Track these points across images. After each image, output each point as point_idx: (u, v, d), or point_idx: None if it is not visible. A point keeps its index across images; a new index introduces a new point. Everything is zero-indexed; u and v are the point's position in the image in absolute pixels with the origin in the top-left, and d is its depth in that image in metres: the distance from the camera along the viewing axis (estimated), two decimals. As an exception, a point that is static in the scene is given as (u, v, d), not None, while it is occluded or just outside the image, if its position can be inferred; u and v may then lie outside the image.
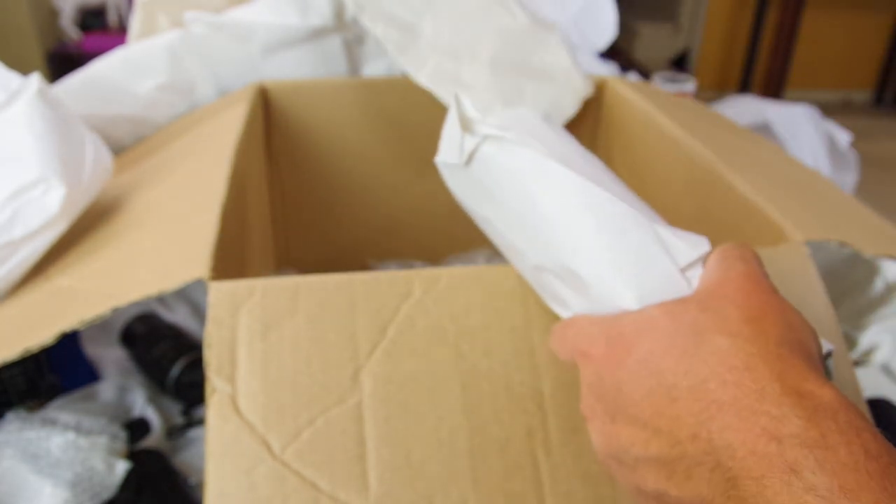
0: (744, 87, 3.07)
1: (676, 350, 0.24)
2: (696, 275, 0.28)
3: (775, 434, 0.21)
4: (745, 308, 0.25)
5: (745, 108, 0.99)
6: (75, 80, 0.64)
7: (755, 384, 0.22)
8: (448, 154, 0.35)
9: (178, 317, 0.64)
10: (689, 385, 0.23)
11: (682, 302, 0.26)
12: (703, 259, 0.28)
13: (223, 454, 0.32)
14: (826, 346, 0.27)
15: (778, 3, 2.84)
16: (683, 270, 0.28)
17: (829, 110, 1.11)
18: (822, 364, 0.25)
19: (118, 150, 0.63)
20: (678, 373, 0.24)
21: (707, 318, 0.25)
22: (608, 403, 0.26)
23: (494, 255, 0.74)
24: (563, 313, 0.33)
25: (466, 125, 0.35)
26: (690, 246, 0.28)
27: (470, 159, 0.33)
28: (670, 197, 0.56)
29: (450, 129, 0.35)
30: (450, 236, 0.73)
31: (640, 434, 0.25)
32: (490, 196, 0.33)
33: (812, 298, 0.38)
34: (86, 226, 0.47)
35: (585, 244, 0.29)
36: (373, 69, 0.70)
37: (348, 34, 0.67)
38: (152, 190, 0.50)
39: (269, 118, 0.66)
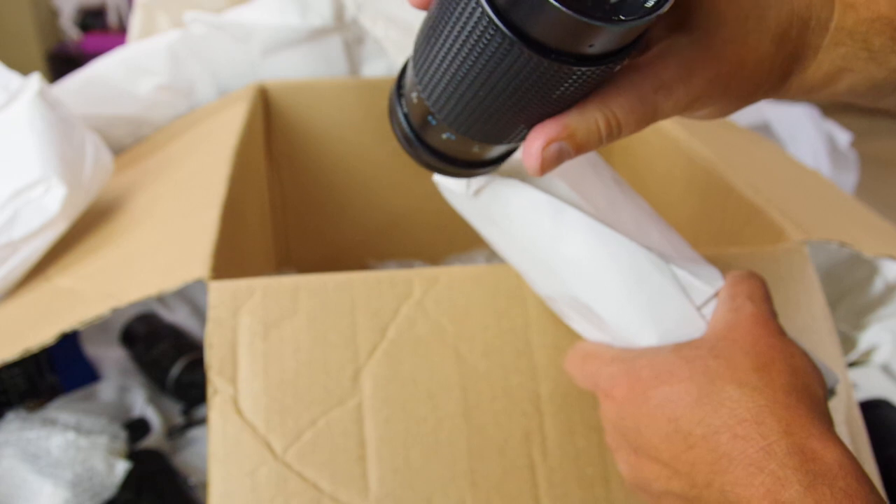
0: (744, 86, 3.07)
1: (690, 398, 0.26)
2: (711, 310, 0.29)
3: (776, 497, 0.23)
4: (754, 354, 0.26)
5: (745, 108, 0.98)
6: (75, 81, 0.64)
7: (763, 440, 0.24)
8: (449, 181, 0.33)
9: (178, 317, 0.64)
10: (702, 434, 0.25)
11: (695, 346, 0.27)
12: (718, 292, 0.29)
13: (225, 455, 0.32)
14: (833, 377, 0.28)
15: (778, 3, 2.83)
16: (700, 308, 0.29)
17: (829, 110, 1.11)
18: (826, 402, 0.26)
19: (118, 150, 0.63)
20: (693, 421, 0.25)
21: (718, 366, 0.26)
22: (630, 441, 0.28)
23: (494, 255, 0.74)
24: (575, 327, 0.33)
25: None
26: (705, 283, 0.29)
27: (477, 192, 0.32)
28: (670, 197, 0.56)
29: None
30: (450, 236, 0.73)
31: (663, 471, 0.26)
32: (497, 226, 0.33)
33: (810, 300, 0.38)
34: (86, 226, 0.47)
35: (604, 288, 0.29)
36: (373, 69, 0.70)
37: (348, 34, 0.67)
38: (152, 190, 0.50)
39: (269, 118, 0.66)
